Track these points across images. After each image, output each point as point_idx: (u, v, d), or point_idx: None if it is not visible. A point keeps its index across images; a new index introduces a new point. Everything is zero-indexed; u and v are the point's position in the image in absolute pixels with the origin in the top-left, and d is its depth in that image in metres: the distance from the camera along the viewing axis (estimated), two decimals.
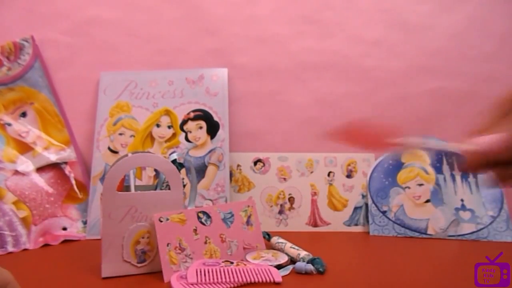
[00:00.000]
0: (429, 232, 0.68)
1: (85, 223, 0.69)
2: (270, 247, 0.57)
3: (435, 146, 0.34)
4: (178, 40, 0.79)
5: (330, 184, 0.74)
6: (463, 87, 0.78)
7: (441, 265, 0.52)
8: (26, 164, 0.69)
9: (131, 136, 0.73)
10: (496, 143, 0.27)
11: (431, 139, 0.34)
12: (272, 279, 0.45)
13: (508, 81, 0.78)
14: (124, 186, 0.56)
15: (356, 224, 0.73)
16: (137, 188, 0.58)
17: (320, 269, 0.48)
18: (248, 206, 0.57)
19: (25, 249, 0.62)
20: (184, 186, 0.65)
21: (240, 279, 0.44)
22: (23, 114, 0.73)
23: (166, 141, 0.74)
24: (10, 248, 0.61)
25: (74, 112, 0.77)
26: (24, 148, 0.70)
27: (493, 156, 0.27)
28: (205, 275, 0.44)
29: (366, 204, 0.73)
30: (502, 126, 0.27)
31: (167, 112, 0.75)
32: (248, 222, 0.56)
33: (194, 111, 0.75)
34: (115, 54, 0.79)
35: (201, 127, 0.74)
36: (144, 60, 0.79)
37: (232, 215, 0.54)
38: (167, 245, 0.47)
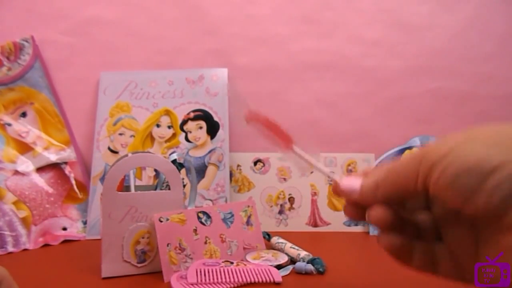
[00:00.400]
0: None
1: (85, 223, 0.69)
2: (270, 247, 0.57)
3: (319, 168, 0.35)
4: (178, 40, 0.79)
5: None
6: (463, 87, 0.78)
7: None
8: (26, 164, 0.69)
9: (131, 136, 0.73)
10: (351, 185, 0.30)
11: (319, 161, 0.36)
12: (272, 279, 0.45)
13: (508, 81, 0.78)
14: (124, 186, 0.56)
15: (356, 224, 0.73)
16: (137, 188, 0.58)
17: (320, 269, 0.48)
18: (248, 206, 0.57)
19: (25, 249, 0.62)
20: (184, 186, 0.65)
21: (240, 279, 0.44)
22: (23, 114, 0.73)
23: (166, 141, 0.74)
24: (10, 248, 0.61)
25: (74, 112, 0.77)
26: (24, 148, 0.70)
27: (344, 193, 0.30)
28: (205, 275, 0.44)
29: None
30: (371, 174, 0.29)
31: (167, 112, 0.75)
32: (248, 222, 0.56)
33: (194, 111, 0.75)
34: (115, 54, 0.79)
35: (201, 127, 0.74)
36: (144, 60, 0.79)
37: (232, 215, 0.54)
38: (167, 245, 0.47)
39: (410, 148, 0.76)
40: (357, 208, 0.30)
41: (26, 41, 0.75)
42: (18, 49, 0.74)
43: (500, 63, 0.78)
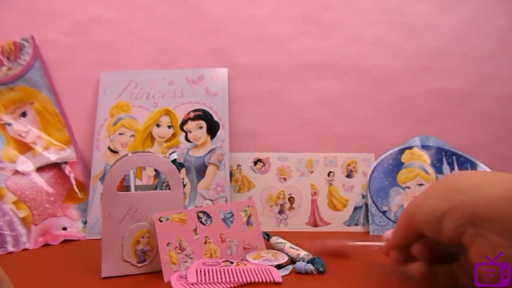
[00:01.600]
0: None
1: (85, 223, 0.69)
2: (270, 247, 0.57)
3: (370, 245, 0.54)
4: (178, 40, 0.79)
5: (330, 184, 0.74)
6: (463, 87, 0.78)
7: None
8: (26, 164, 0.69)
9: (131, 136, 0.74)
10: (388, 235, 0.46)
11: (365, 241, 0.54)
12: (272, 279, 0.45)
13: (508, 81, 0.78)
14: (124, 186, 0.56)
15: (356, 224, 0.73)
16: (137, 188, 0.58)
17: (320, 269, 0.48)
18: (248, 206, 0.57)
19: (25, 249, 0.62)
20: (184, 186, 0.65)
21: (240, 279, 0.44)
22: (23, 114, 0.73)
23: (166, 141, 0.74)
24: (10, 248, 0.61)
25: (74, 112, 0.77)
26: (24, 148, 0.70)
27: (385, 239, 0.46)
28: (205, 275, 0.44)
29: (366, 204, 0.73)
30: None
31: (167, 112, 0.75)
32: (248, 222, 0.56)
33: (194, 111, 0.75)
34: (115, 54, 0.79)
35: (201, 127, 0.74)
36: (144, 60, 0.79)
37: (232, 215, 0.54)
38: (167, 245, 0.47)
39: (410, 148, 0.76)
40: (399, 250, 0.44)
41: (26, 41, 0.75)
42: (18, 49, 0.74)
43: (500, 63, 0.78)
